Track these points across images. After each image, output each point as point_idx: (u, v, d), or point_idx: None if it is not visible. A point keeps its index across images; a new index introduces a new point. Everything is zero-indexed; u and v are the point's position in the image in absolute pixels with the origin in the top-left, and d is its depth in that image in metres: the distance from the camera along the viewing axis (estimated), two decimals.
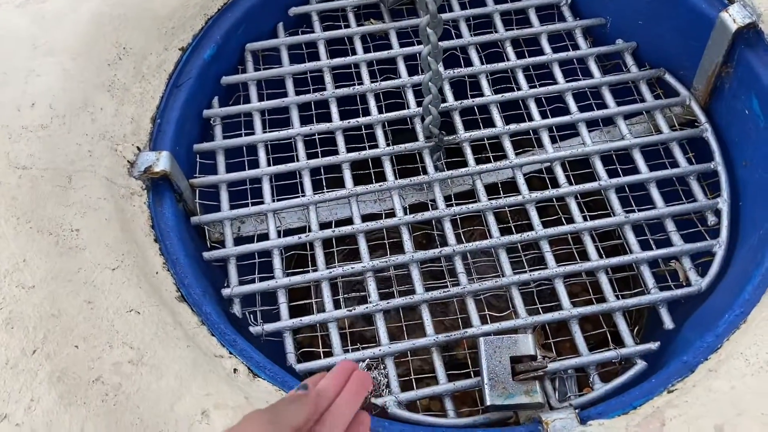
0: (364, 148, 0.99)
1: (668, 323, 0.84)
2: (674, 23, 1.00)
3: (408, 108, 1.03)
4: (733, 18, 0.89)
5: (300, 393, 0.52)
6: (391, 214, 0.95)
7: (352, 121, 1.01)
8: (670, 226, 0.92)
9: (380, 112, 1.02)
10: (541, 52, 1.08)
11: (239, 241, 0.93)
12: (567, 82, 1.05)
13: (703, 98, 1.00)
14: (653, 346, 0.82)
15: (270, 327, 0.84)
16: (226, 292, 0.86)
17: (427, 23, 0.78)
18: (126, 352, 0.66)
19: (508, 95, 1.03)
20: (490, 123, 1.02)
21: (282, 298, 0.87)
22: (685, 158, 0.97)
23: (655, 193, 0.95)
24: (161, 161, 0.86)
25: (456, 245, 0.91)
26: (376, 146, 0.99)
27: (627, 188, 0.96)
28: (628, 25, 1.07)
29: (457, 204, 0.95)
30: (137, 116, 0.89)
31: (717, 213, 0.92)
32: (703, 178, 0.96)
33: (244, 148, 1.00)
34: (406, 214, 0.94)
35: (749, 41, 0.90)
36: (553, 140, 1.01)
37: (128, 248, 0.76)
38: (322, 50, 1.08)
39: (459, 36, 1.10)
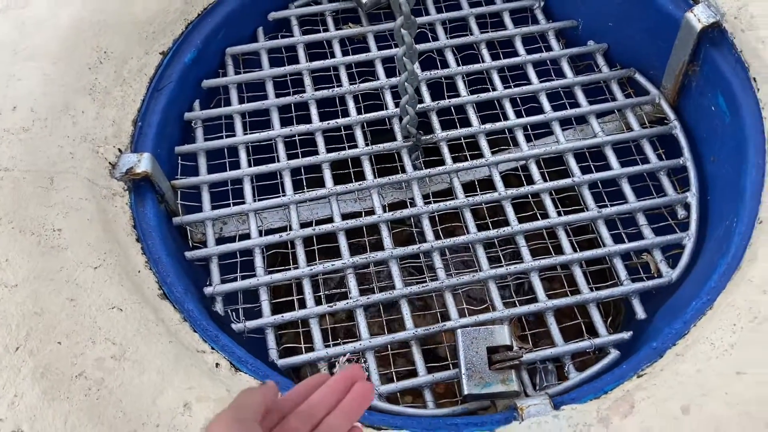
0: (343, 149, 1.01)
1: (640, 313, 0.87)
2: (643, 24, 1.03)
3: (386, 109, 1.05)
4: (698, 18, 0.92)
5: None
6: (371, 212, 0.97)
7: (332, 122, 1.03)
8: (641, 220, 0.95)
9: (359, 113, 1.04)
10: (515, 54, 1.10)
11: (221, 241, 0.94)
12: (541, 82, 1.07)
13: (672, 96, 1.03)
14: (626, 335, 0.84)
15: (252, 324, 0.86)
16: (208, 290, 0.88)
17: (402, 24, 0.81)
18: (108, 348, 0.67)
19: (483, 96, 1.06)
20: (466, 123, 1.05)
21: (264, 296, 0.89)
22: (656, 154, 1.00)
23: (627, 189, 0.97)
24: (143, 163, 0.87)
25: (434, 241, 0.93)
26: (355, 146, 1.01)
27: (600, 184, 0.98)
28: (599, 27, 1.11)
29: (435, 202, 0.97)
30: (118, 119, 0.91)
31: (686, 207, 0.95)
32: (672, 174, 0.99)
33: (226, 149, 1.01)
34: (385, 212, 0.96)
35: (714, 40, 0.93)
36: (528, 139, 1.04)
37: (110, 247, 0.77)
38: (301, 53, 1.09)
39: (435, 39, 1.12)
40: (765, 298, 0.69)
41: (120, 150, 0.89)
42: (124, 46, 0.95)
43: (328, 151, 1.01)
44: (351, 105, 1.05)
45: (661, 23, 0.99)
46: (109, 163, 0.87)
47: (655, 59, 1.04)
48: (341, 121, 1.03)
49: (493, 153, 1.02)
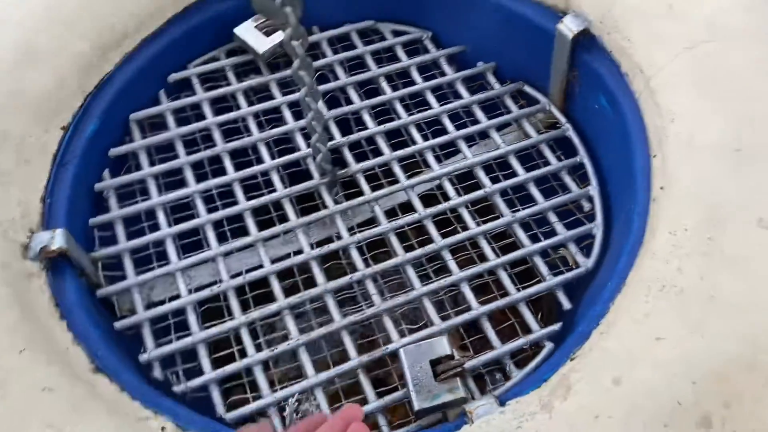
0: (263, 194, 1.02)
1: (566, 304, 0.92)
2: (522, 41, 1.12)
3: (299, 150, 1.08)
4: (569, 27, 1.01)
5: None
6: (300, 252, 0.98)
7: (247, 171, 1.04)
8: (552, 218, 1.01)
9: (273, 158, 1.07)
10: (413, 83, 1.17)
11: (151, 306, 0.92)
12: (441, 105, 1.14)
13: (560, 102, 1.12)
14: (556, 327, 0.89)
15: (194, 383, 0.84)
16: (143, 357, 0.85)
17: (299, 66, 0.84)
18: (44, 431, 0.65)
19: (390, 125, 1.11)
20: (378, 153, 1.09)
21: (203, 353, 0.88)
22: (555, 156, 1.08)
23: (535, 191, 1.04)
24: (56, 239, 0.85)
25: (365, 269, 0.95)
26: (274, 190, 1.03)
27: (510, 191, 1.04)
28: (485, 49, 1.19)
29: (360, 232, 1.00)
30: (25, 199, 0.88)
31: (590, 199, 1.02)
32: (573, 171, 1.06)
33: (143, 213, 1.00)
34: (313, 249, 0.97)
35: (586, 46, 1.02)
36: (438, 159, 1.09)
37: (33, 329, 0.74)
38: (207, 110, 1.11)
39: (336, 78, 1.17)
40: (668, 267, 0.75)
41: (31, 230, 0.86)
42: (20, 125, 0.93)
43: (248, 198, 1.02)
44: (264, 152, 1.07)
45: (538, 37, 1.08)
46: (21, 244, 0.84)
47: (539, 70, 1.12)
48: (256, 168, 1.05)
49: (408, 177, 1.06)
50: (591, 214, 1.01)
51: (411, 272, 0.96)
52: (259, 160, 1.07)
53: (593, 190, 1.03)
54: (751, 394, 0.66)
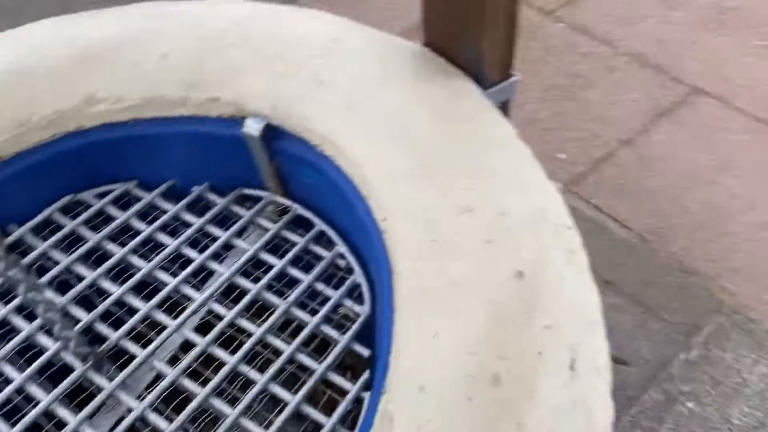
0: (25, 414, 0.92)
1: (365, 353, 0.99)
2: (221, 155, 1.20)
3: (48, 349, 0.99)
4: (253, 128, 1.12)
5: None
6: None
7: None
8: (320, 286, 1.09)
9: (22, 370, 0.96)
10: (139, 232, 1.16)
11: None
12: (176, 239, 1.15)
13: (280, 189, 1.22)
14: (366, 376, 0.95)
15: None
16: None
17: (4, 270, 0.79)
18: None
19: (132, 281, 1.08)
20: (133, 311, 1.05)
21: None
22: (298, 235, 1.16)
23: (296, 272, 1.10)
24: None
25: (171, 426, 0.90)
26: (37, 403, 0.93)
27: (274, 282, 1.09)
28: (192, 175, 1.24)
29: (150, 393, 0.95)
30: None
31: (342, 256, 1.12)
32: (318, 240, 1.16)
33: None
34: None
35: (275, 137, 1.14)
36: (196, 287, 1.10)
37: None
38: None
39: (56, 263, 1.11)
40: (415, 277, 0.87)
41: None
42: None
43: (12, 425, 0.90)
44: (8, 370, 0.96)
45: (232, 146, 1.17)
46: None
47: (249, 171, 1.21)
48: (8, 389, 0.94)
49: (174, 318, 1.04)
50: (350, 268, 1.11)
51: (218, 402, 0.94)
52: (8, 381, 0.96)
53: (341, 247, 1.13)
54: (510, 337, 0.79)
